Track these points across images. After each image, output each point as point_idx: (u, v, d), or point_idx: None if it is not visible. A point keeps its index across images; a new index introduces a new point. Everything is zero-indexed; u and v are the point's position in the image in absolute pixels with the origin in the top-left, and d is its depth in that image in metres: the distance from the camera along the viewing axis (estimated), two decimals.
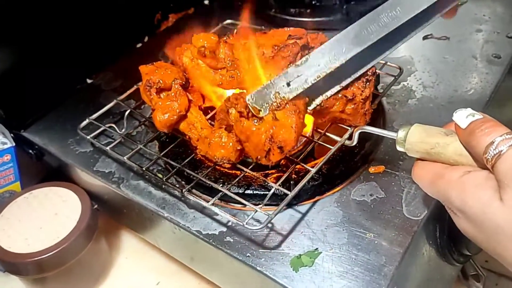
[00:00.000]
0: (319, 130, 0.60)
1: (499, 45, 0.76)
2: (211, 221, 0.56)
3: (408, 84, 0.71)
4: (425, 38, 0.79)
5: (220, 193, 0.55)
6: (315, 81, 0.52)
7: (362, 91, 0.53)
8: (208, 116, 0.63)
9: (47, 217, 0.64)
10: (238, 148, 0.53)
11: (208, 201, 0.55)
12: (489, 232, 0.40)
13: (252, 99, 0.51)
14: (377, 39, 0.51)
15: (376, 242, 0.52)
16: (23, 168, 0.70)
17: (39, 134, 0.72)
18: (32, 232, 0.63)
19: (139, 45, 0.91)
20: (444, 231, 0.56)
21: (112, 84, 0.79)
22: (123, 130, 0.66)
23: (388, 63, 0.66)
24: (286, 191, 0.53)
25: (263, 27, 0.74)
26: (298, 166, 0.57)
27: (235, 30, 0.68)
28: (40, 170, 0.76)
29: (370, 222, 0.54)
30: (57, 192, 0.67)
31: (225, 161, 0.55)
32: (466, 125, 0.42)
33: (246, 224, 0.51)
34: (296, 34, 0.63)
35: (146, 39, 0.92)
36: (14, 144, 0.67)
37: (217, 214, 0.57)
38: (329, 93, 0.53)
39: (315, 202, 0.57)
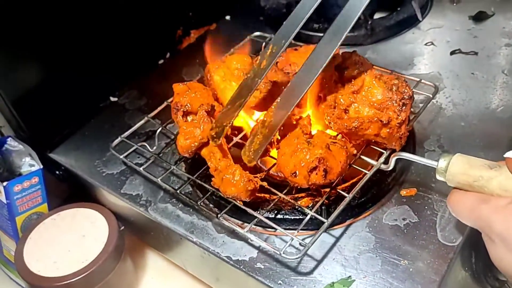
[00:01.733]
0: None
1: None
2: (241, 247, 0.56)
3: (437, 101, 0.70)
4: (452, 53, 0.78)
5: (256, 219, 0.54)
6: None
7: (398, 115, 0.52)
8: (235, 140, 0.62)
9: (75, 239, 0.64)
10: (249, 188, 0.53)
11: (241, 226, 0.55)
12: None
13: None
14: None
15: (411, 269, 0.51)
16: (48, 188, 0.70)
17: (65, 155, 0.72)
18: (60, 255, 0.62)
19: (161, 61, 0.91)
20: (480, 256, 0.55)
21: (136, 102, 0.79)
22: (154, 148, 0.66)
23: (423, 81, 0.64)
24: (322, 218, 0.52)
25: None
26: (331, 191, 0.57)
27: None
28: (64, 190, 0.76)
29: (404, 248, 0.53)
30: (84, 214, 0.67)
31: (237, 198, 0.55)
32: None
33: (283, 253, 0.50)
34: None
35: (168, 55, 0.92)
36: (41, 166, 0.67)
37: (248, 239, 0.56)
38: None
39: (346, 226, 0.56)
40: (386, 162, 0.55)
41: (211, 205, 0.61)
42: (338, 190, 0.55)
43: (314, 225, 0.55)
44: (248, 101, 0.59)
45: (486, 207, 0.43)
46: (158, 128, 0.68)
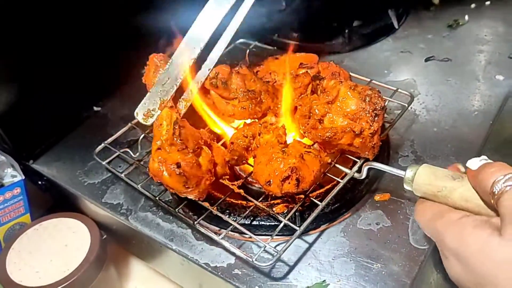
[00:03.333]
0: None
1: (501, 66, 0.76)
2: (219, 253, 0.57)
3: (412, 108, 0.72)
4: (427, 60, 0.80)
5: (231, 227, 0.55)
6: (182, 77, 0.58)
7: (371, 125, 0.53)
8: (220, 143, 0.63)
9: (57, 248, 0.65)
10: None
11: (217, 233, 0.56)
12: (483, 273, 0.39)
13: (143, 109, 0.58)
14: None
15: (383, 272, 0.52)
16: (30, 199, 0.71)
17: (47, 166, 0.73)
18: (42, 264, 0.63)
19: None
20: None
21: (118, 112, 0.80)
22: (137, 154, 0.67)
23: (399, 90, 0.66)
24: (295, 226, 0.53)
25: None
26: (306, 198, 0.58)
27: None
28: (47, 200, 0.76)
29: (377, 252, 0.55)
30: (67, 223, 0.68)
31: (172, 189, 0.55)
32: (477, 167, 0.43)
33: (255, 260, 0.51)
34: (308, 63, 0.64)
35: None
36: (23, 177, 0.68)
37: (224, 246, 0.57)
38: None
39: (321, 232, 0.58)
40: (359, 170, 0.56)
41: (190, 213, 0.62)
42: (311, 198, 0.56)
43: (289, 231, 0.56)
44: (226, 109, 0.61)
45: (441, 222, 0.43)
46: (141, 135, 0.68)
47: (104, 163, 0.66)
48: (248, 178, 0.64)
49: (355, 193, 0.60)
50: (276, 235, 0.57)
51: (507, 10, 0.86)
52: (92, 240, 0.65)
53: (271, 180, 0.52)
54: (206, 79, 0.61)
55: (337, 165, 0.58)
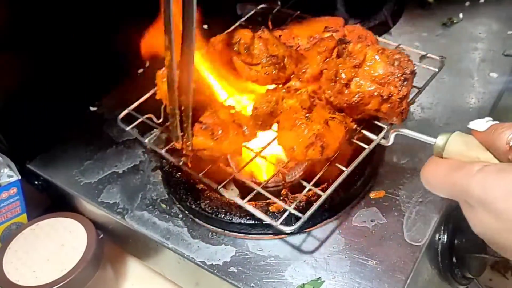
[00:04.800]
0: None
1: (495, 63, 0.76)
2: (215, 252, 0.57)
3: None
4: (422, 58, 0.80)
5: (254, 191, 0.54)
6: None
7: (399, 90, 0.51)
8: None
9: (54, 248, 0.65)
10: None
11: (212, 231, 0.56)
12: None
13: None
14: None
15: (378, 269, 0.53)
16: (28, 198, 0.71)
17: (44, 166, 0.73)
18: (39, 264, 0.63)
19: (140, 70, 0.92)
20: (445, 255, 0.57)
21: (115, 112, 0.80)
22: (160, 120, 0.64)
23: (429, 55, 0.63)
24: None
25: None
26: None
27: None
28: (45, 200, 0.77)
29: (372, 248, 0.55)
30: (63, 223, 0.68)
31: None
32: (487, 127, 0.43)
33: (280, 224, 0.50)
34: (333, 26, 0.62)
35: (147, 64, 0.93)
36: (20, 177, 0.68)
37: (220, 244, 0.58)
38: None
39: (316, 229, 0.58)
40: (385, 137, 0.54)
41: (186, 212, 0.62)
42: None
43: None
44: (249, 75, 0.59)
45: (461, 173, 0.42)
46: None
47: (128, 128, 0.64)
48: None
49: (350, 190, 0.60)
50: (273, 233, 0.58)
51: (501, 8, 0.87)
52: (89, 239, 0.65)
53: (295, 147, 0.51)
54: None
55: (364, 131, 0.56)
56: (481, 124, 0.43)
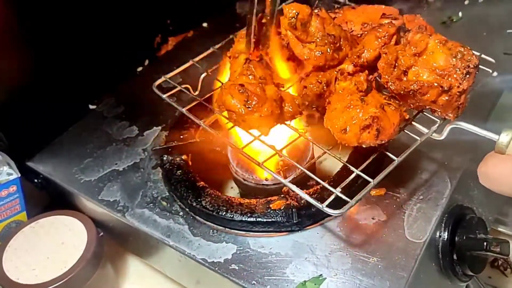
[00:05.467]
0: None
1: (496, 62, 0.77)
2: (216, 249, 0.57)
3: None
4: None
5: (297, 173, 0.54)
6: None
7: (460, 83, 0.49)
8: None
9: (54, 246, 0.65)
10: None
11: (213, 229, 0.56)
12: None
13: None
14: None
15: (379, 266, 0.53)
16: (27, 196, 0.71)
17: (43, 164, 0.72)
18: (39, 262, 0.63)
19: (139, 68, 0.92)
20: (446, 252, 0.57)
21: (114, 110, 0.80)
22: (197, 92, 0.64)
23: (482, 56, 0.61)
24: (368, 178, 0.51)
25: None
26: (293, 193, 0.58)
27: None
28: (44, 198, 0.77)
29: (373, 246, 0.55)
30: (63, 221, 0.68)
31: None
32: None
33: (326, 207, 0.49)
34: (391, 14, 0.61)
35: (146, 62, 0.93)
36: (19, 175, 0.68)
37: (221, 241, 0.58)
38: None
39: (318, 227, 0.58)
40: (438, 131, 0.53)
41: (187, 209, 0.62)
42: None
43: (286, 227, 0.57)
44: (302, 52, 0.57)
45: None
46: (202, 73, 0.65)
47: (164, 96, 0.62)
48: (245, 174, 0.65)
49: (351, 188, 0.60)
50: (274, 231, 0.58)
51: (500, 6, 0.87)
52: (89, 237, 0.65)
53: (348, 128, 0.50)
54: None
55: (414, 123, 0.54)
56: None
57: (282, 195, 0.59)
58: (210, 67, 0.65)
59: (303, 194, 0.51)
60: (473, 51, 0.52)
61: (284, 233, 0.57)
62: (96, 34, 0.82)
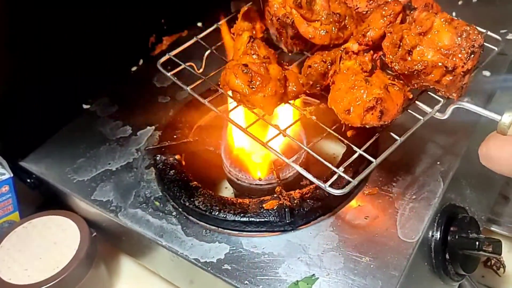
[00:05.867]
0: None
1: (489, 62, 0.77)
2: (209, 249, 0.57)
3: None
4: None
5: (302, 151, 0.54)
6: None
7: (465, 63, 0.49)
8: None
9: (47, 246, 0.65)
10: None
11: (206, 229, 0.56)
12: None
13: None
14: None
15: (372, 266, 0.53)
16: (20, 196, 0.71)
17: (36, 163, 0.72)
18: (31, 262, 0.63)
19: (134, 68, 0.91)
20: (438, 251, 0.57)
21: (107, 109, 0.80)
22: (201, 70, 0.63)
23: (489, 33, 0.60)
24: (371, 158, 0.51)
25: None
26: (292, 193, 0.58)
27: None
28: (37, 197, 0.76)
29: (366, 245, 0.55)
30: (56, 221, 0.68)
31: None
32: None
33: (329, 186, 0.49)
34: None
35: (141, 62, 0.93)
36: (12, 174, 0.68)
37: (214, 241, 0.58)
38: None
39: (311, 226, 0.58)
40: (441, 110, 0.53)
41: (180, 209, 0.62)
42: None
43: (279, 227, 0.57)
44: (307, 31, 0.57)
45: None
46: (207, 51, 0.64)
47: (169, 74, 0.62)
48: (238, 174, 0.65)
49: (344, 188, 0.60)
50: (267, 231, 0.58)
51: (494, 7, 0.87)
52: (82, 237, 0.65)
53: (352, 108, 0.50)
54: None
55: (418, 102, 0.55)
56: None
57: (275, 195, 0.59)
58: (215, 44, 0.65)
59: (306, 174, 0.51)
60: (479, 28, 0.52)
61: (277, 233, 0.57)
62: (90, 34, 0.81)
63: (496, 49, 0.59)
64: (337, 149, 0.74)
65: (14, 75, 0.72)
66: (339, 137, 0.55)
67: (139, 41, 0.93)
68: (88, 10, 0.80)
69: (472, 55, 0.49)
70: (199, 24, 0.98)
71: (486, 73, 0.75)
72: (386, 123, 0.51)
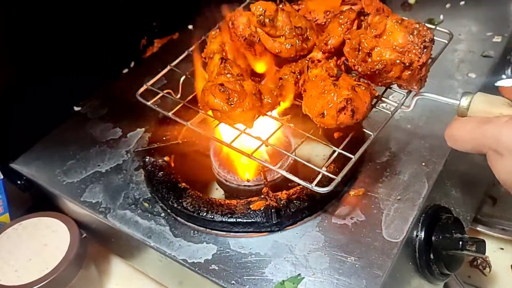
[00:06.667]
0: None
1: (474, 64, 0.78)
2: (197, 250, 0.58)
3: (386, 105, 0.73)
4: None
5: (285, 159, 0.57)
6: None
7: (419, 57, 0.53)
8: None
9: (37, 248, 0.65)
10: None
11: (194, 229, 0.57)
12: None
13: None
14: None
15: (357, 265, 0.54)
16: (11, 198, 0.71)
17: (26, 165, 0.73)
18: (21, 263, 0.63)
19: (125, 70, 0.92)
20: (422, 251, 0.58)
21: (98, 111, 0.80)
22: (179, 96, 0.65)
23: (438, 28, 0.64)
24: (349, 155, 0.54)
25: None
26: (280, 195, 0.59)
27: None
28: (28, 199, 0.77)
29: (351, 245, 0.56)
30: (46, 223, 0.68)
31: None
32: None
33: (315, 185, 0.52)
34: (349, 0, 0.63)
35: (132, 64, 0.93)
36: (2, 177, 0.68)
37: (202, 242, 0.58)
38: None
39: (297, 227, 0.59)
40: (406, 103, 0.57)
41: (168, 210, 0.62)
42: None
43: (266, 228, 0.58)
44: (273, 47, 0.60)
45: (490, 124, 0.44)
46: (182, 77, 0.67)
47: (149, 103, 0.64)
48: (227, 176, 0.65)
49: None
50: (254, 231, 0.58)
51: (480, 10, 0.88)
52: (72, 239, 0.65)
53: (325, 112, 0.54)
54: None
55: (384, 98, 0.59)
56: (510, 81, 0.45)
57: (262, 196, 0.59)
58: (189, 69, 0.67)
59: (292, 177, 0.54)
60: (427, 25, 0.56)
61: (264, 234, 0.58)
62: (82, 36, 0.82)
63: (446, 41, 0.63)
64: (327, 150, 0.75)
65: (5, 77, 0.73)
66: (317, 139, 0.58)
67: (130, 44, 0.94)
68: (79, 13, 0.80)
69: (425, 49, 0.53)
70: (190, 27, 0.99)
71: (472, 74, 0.76)
72: (358, 121, 0.55)
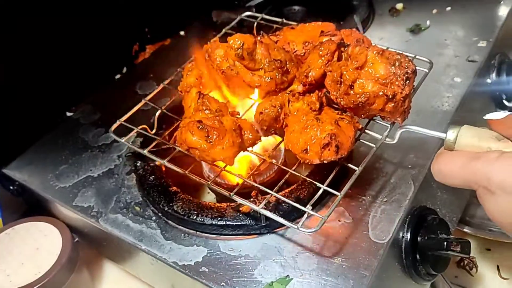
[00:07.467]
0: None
1: (460, 68, 0.80)
2: (187, 252, 0.59)
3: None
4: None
5: (268, 196, 0.56)
6: None
7: (402, 89, 0.53)
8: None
9: (29, 252, 0.66)
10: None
11: (184, 232, 0.58)
12: None
13: None
14: None
15: (344, 266, 0.55)
16: (4, 203, 0.72)
17: (19, 170, 0.73)
18: (14, 268, 0.64)
19: (117, 76, 0.93)
20: (409, 252, 0.59)
21: (91, 117, 0.81)
22: (153, 131, 0.66)
23: (417, 57, 0.65)
24: (335, 192, 0.54)
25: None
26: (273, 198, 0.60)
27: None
28: (22, 204, 0.77)
29: (339, 247, 0.57)
30: (38, 227, 0.69)
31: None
32: (504, 116, 0.44)
33: (301, 227, 0.51)
34: (329, 30, 0.63)
35: (124, 70, 0.94)
36: None
37: (192, 245, 0.59)
38: None
39: (286, 229, 0.60)
40: (390, 136, 0.56)
41: (159, 214, 0.63)
42: (345, 164, 0.56)
43: (255, 230, 0.59)
44: (252, 80, 0.59)
45: (480, 161, 0.43)
46: (157, 111, 0.67)
47: (123, 140, 0.64)
48: (217, 179, 0.66)
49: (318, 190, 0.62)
50: (243, 234, 0.59)
51: (466, 16, 0.90)
52: (64, 243, 0.66)
53: (308, 148, 0.53)
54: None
55: (367, 131, 0.58)
56: (499, 114, 0.45)
57: (251, 199, 0.60)
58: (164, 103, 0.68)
59: (278, 218, 0.53)
60: (408, 54, 0.57)
61: (253, 236, 0.59)
62: (74, 42, 0.83)
63: (427, 71, 0.63)
64: None
65: None
66: (302, 176, 0.58)
67: (122, 49, 0.95)
68: (72, 19, 0.81)
69: (408, 81, 0.53)
70: (182, 33, 1.00)
71: (457, 79, 0.78)
72: (343, 156, 0.54)
